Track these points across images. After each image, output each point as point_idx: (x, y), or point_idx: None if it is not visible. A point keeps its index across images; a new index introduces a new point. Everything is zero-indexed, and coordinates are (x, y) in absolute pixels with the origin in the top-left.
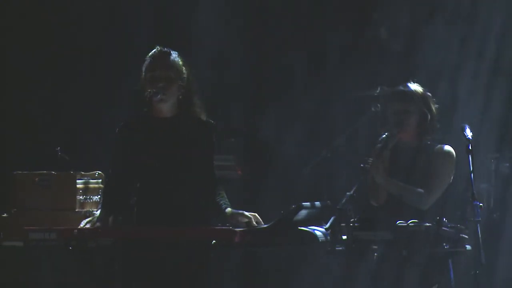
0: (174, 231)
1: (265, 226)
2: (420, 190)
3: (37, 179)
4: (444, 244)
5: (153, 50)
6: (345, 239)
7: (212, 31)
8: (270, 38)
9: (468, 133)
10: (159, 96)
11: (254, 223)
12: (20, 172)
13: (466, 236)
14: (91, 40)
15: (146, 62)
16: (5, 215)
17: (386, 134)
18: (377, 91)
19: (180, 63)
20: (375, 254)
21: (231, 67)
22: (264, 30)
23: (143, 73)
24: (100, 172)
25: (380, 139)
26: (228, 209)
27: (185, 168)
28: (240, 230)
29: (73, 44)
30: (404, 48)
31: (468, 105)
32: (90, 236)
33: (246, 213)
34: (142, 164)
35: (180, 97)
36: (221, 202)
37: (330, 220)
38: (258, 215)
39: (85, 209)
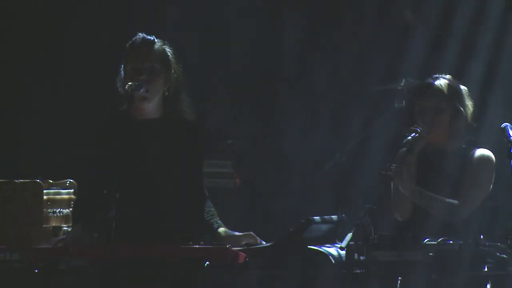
0: (161, 249)
1: (269, 244)
2: (453, 201)
3: None
4: (482, 265)
5: (134, 38)
6: (363, 260)
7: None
8: (281, 33)
9: (511, 133)
10: (142, 90)
11: (259, 242)
12: None
13: (508, 256)
14: (63, 35)
15: (126, 52)
16: None
17: (412, 135)
18: (401, 84)
19: (167, 53)
20: (399, 278)
21: (239, 66)
22: (276, 27)
23: (122, 65)
24: (72, 180)
25: (404, 141)
26: (222, 229)
27: (171, 178)
28: (238, 250)
29: (42, 41)
30: (433, 33)
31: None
32: (60, 256)
33: (240, 234)
34: (122, 173)
35: (166, 93)
36: (212, 220)
37: (346, 238)
38: (261, 231)
39: (54, 224)
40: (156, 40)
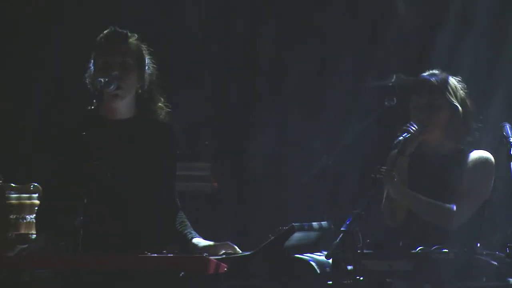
0: (132, 259)
1: (249, 253)
2: (448, 206)
3: None
4: (479, 276)
5: (106, 31)
6: (351, 270)
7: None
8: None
9: (510, 133)
10: (112, 87)
11: (237, 251)
12: None
13: (507, 266)
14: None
15: (97, 46)
16: None
17: (404, 135)
18: (393, 80)
19: (140, 48)
20: None
21: (219, 63)
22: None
23: (92, 59)
24: (36, 184)
25: (396, 141)
26: (196, 239)
27: (142, 184)
28: (216, 259)
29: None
30: (428, 25)
31: (506, 97)
32: (23, 266)
33: (216, 244)
34: (90, 177)
35: (139, 91)
36: (186, 231)
37: (332, 246)
38: (240, 238)
39: (17, 232)
40: (129, 34)
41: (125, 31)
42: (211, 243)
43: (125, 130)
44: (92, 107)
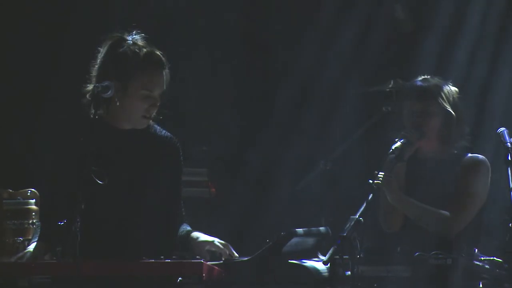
0: (130, 265)
1: (246, 258)
2: (445, 212)
3: None
4: (477, 281)
5: (151, 53)
6: (348, 276)
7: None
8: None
9: (508, 139)
10: (110, 92)
11: (228, 254)
12: None
13: (505, 272)
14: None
15: (139, 66)
16: None
17: (401, 141)
18: (390, 86)
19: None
20: None
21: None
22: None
23: (129, 78)
24: (33, 190)
25: (393, 147)
26: (194, 233)
27: (142, 191)
28: (213, 264)
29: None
30: (424, 31)
31: (504, 102)
32: (21, 272)
33: (216, 241)
34: (86, 182)
35: None
36: (185, 231)
37: (330, 251)
38: (239, 243)
39: (14, 237)
40: (165, 61)
41: (164, 58)
42: (209, 238)
43: (129, 138)
44: (97, 114)
